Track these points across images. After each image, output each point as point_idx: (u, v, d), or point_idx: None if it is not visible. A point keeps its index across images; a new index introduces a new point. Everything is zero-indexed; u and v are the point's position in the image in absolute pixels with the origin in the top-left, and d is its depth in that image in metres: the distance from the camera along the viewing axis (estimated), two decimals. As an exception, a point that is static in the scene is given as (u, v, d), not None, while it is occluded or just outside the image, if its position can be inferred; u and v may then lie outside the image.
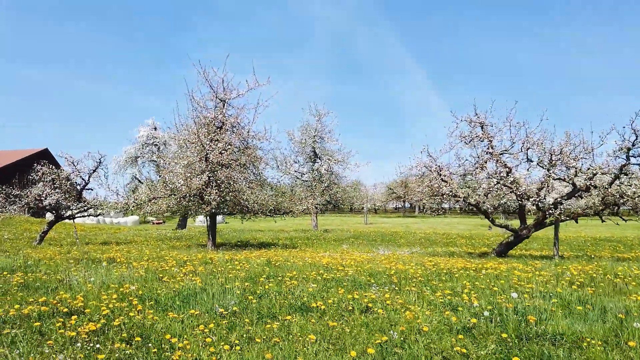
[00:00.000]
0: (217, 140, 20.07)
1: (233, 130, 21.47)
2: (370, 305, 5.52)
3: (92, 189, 27.59)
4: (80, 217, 27.17)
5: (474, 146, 16.33)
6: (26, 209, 24.66)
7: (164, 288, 6.97)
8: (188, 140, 19.56)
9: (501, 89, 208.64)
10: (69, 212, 25.90)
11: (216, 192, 18.85)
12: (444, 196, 15.75)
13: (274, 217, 22.20)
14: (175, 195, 19.06)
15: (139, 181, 35.43)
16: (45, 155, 67.31)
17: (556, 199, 14.51)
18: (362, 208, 56.97)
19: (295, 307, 5.64)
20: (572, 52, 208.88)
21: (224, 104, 21.43)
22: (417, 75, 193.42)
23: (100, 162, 27.56)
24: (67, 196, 25.35)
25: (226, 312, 5.44)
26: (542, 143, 14.41)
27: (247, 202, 19.76)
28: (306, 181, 33.07)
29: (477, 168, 16.58)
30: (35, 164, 25.68)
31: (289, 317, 5.09)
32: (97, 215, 28.34)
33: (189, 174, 18.67)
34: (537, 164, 14.52)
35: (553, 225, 16.20)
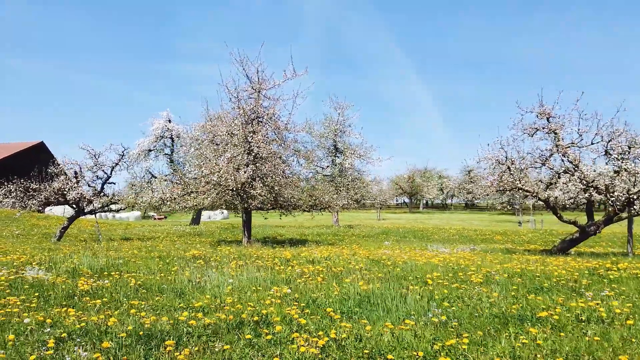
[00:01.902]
0: (257, 132, 19.29)
1: (269, 123, 20.59)
2: (603, 315, 4.84)
3: (114, 183, 26.58)
4: (100, 212, 26.18)
5: (540, 139, 15.76)
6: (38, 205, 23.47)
7: (316, 292, 6.22)
8: (231, 133, 18.67)
9: (490, 81, 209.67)
10: (90, 207, 24.88)
11: (261, 187, 18.05)
12: (512, 191, 15.13)
13: (311, 213, 21.49)
14: (216, 189, 18.16)
15: (152, 175, 34.27)
16: (41, 149, 65.69)
17: (637, 192, 13.93)
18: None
19: (506, 316, 4.93)
20: (565, 45, 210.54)
21: (258, 95, 20.55)
22: (406, 68, 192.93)
23: (123, 155, 26.55)
24: (90, 190, 24.35)
25: (438, 322, 4.72)
26: (620, 134, 13.83)
27: (290, 197, 19.00)
28: (327, 175, 32.31)
29: (536, 161, 16.04)
30: (59, 157, 24.66)
31: (532, 329, 4.37)
32: (118, 211, 27.32)
33: (233, 168, 17.81)
34: (616, 157, 13.93)
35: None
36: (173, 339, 4.24)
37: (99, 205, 24.82)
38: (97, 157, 24.90)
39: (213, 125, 19.64)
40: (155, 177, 34.16)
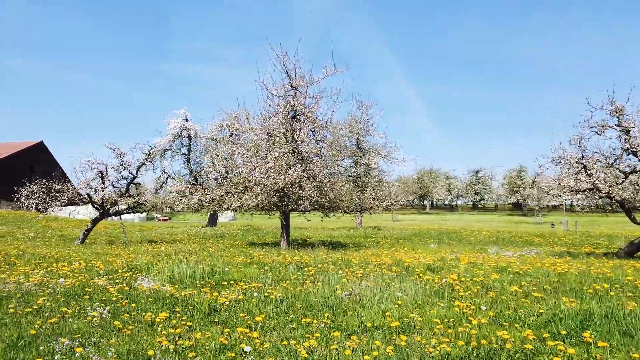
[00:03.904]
0: (301, 129, 18.53)
1: (309, 121, 19.75)
2: None
3: (139, 184, 25.62)
4: (126, 213, 25.19)
5: (610, 137, 15.12)
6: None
7: (502, 308, 5.43)
8: (278, 131, 17.84)
9: (489, 82, 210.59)
10: (115, 209, 23.86)
11: (310, 187, 17.26)
12: (585, 192, 14.44)
13: (352, 214, 20.72)
14: (264, 189, 17.28)
15: (169, 176, 33.20)
16: (41, 148, 64.27)
17: None
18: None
19: None
20: (565, 45, 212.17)
21: (295, 92, 19.77)
22: (402, 68, 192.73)
23: (149, 154, 25.63)
24: (117, 191, 23.37)
25: None
26: None
27: (337, 197, 18.22)
28: (350, 176, 31.49)
29: (603, 160, 15.40)
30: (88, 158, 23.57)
31: None
32: (142, 212, 26.31)
33: (282, 167, 16.99)
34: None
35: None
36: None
37: (125, 207, 23.84)
38: (122, 157, 23.95)
39: (267, 124, 18.72)
40: (173, 178, 33.18)
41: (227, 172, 29.72)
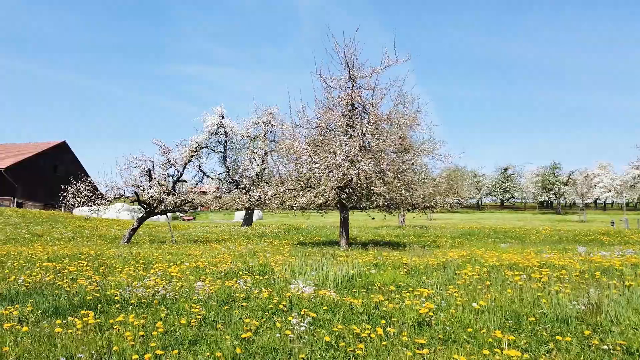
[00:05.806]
0: (368, 122, 17.58)
1: (373, 114, 18.72)
2: None
3: (185, 181, 24.85)
4: (171, 211, 24.34)
5: None
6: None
7: None
8: (340, 124, 16.89)
9: (486, 83, 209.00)
10: (161, 207, 23.03)
11: (380, 182, 16.28)
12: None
13: (415, 212, 19.73)
14: (333, 184, 16.32)
15: (205, 174, 32.41)
16: (63, 148, 64.03)
17: None
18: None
19: None
20: (564, 45, 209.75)
21: (353, 84, 18.80)
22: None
23: (195, 151, 24.89)
24: (164, 188, 22.57)
25: None
26: None
27: (409, 195, 17.25)
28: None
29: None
30: (135, 155, 22.85)
31: None
32: (186, 211, 25.45)
33: (354, 161, 16.03)
34: None
35: None
36: None
37: (173, 205, 22.97)
38: (168, 154, 23.21)
39: (325, 118, 17.76)
40: (208, 176, 32.36)
41: (263, 169, 28.77)
